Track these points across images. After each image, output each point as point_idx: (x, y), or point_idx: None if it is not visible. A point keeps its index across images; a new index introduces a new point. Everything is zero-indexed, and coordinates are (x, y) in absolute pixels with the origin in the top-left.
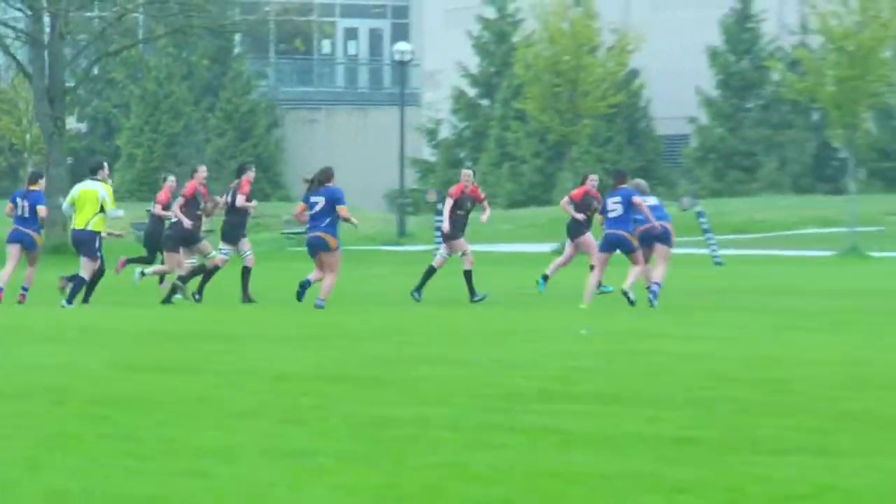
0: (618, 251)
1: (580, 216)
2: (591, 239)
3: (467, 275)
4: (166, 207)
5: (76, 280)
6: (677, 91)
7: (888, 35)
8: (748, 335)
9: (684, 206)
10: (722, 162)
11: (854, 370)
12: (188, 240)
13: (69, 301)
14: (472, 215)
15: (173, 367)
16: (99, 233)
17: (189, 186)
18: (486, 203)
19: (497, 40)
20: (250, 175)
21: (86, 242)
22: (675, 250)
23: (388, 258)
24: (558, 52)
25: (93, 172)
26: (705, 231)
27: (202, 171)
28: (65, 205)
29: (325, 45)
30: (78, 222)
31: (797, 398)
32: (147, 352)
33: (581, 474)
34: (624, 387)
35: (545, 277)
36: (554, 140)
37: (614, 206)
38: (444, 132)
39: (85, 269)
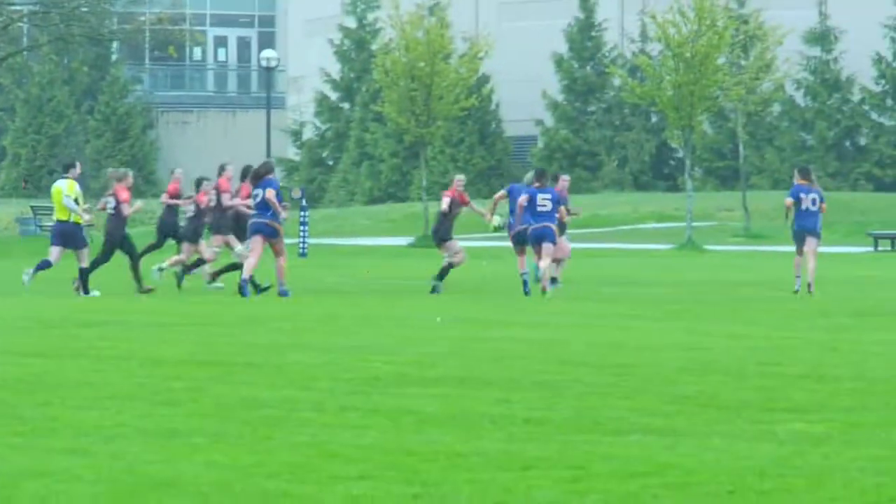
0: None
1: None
2: (563, 241)
3: (448, 267)
4: (175, 197)
5: (81, 272)
6: (525, 95)
7: (722, 43)
8: (593, 323)
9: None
10: (567, 161)
11: (692, 356)
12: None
13: (85, 292)
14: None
15: (55, 352)
16: (79, 223)
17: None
18: (472, 206)
19: (357, 48)
20: (228, 173)
21: (72, 234)
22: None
23: None
24: (414, 59)
25: (65, 170)
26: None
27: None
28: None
29: (197, 53)
30: (60, 215)
31: (638, 382)
32: (30, 339)
33: (436, 452)
34: (476, 371)
35: (553, 280)
36: (410, 141)
37: (544, 201)
38: (308, 133)
39: (82, 258)
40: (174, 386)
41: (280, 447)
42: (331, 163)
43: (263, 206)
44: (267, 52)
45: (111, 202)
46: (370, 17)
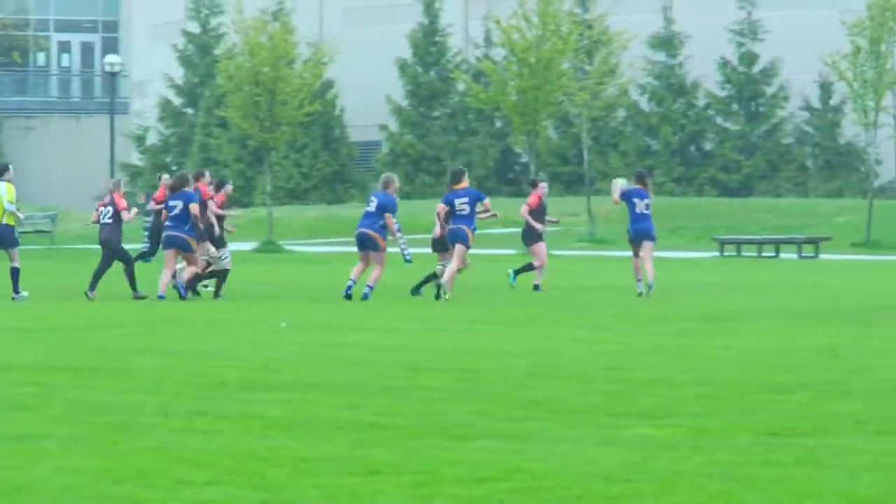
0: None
1: (539, 226)
2: (543, 247)
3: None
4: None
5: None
6: (369, 100)
7: (567, 48)
8: (442, 328)
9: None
10: (411, 166)
11: (540, 361)
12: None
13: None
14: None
15: None
16: (12, 226)
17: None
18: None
19: (201, 53)
20: (228, 189)
21: (5, 235)
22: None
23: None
24: (258, 64)
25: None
26: (397, 231)
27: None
28: None
29: (41, 58)
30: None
31: (486, 387)
32: None
33: (283, 457)
34: (322, 376)
35: (536, 287)
36: (254, 146)
37: (462, 205)
38: (152, 138)
39: (15, 257)
40: (24, 391)
41: (128, 452)
42: (174, 168)
43: (180, 219)
44: (110, 58)
45: (106, 211)
46: (214, 22)
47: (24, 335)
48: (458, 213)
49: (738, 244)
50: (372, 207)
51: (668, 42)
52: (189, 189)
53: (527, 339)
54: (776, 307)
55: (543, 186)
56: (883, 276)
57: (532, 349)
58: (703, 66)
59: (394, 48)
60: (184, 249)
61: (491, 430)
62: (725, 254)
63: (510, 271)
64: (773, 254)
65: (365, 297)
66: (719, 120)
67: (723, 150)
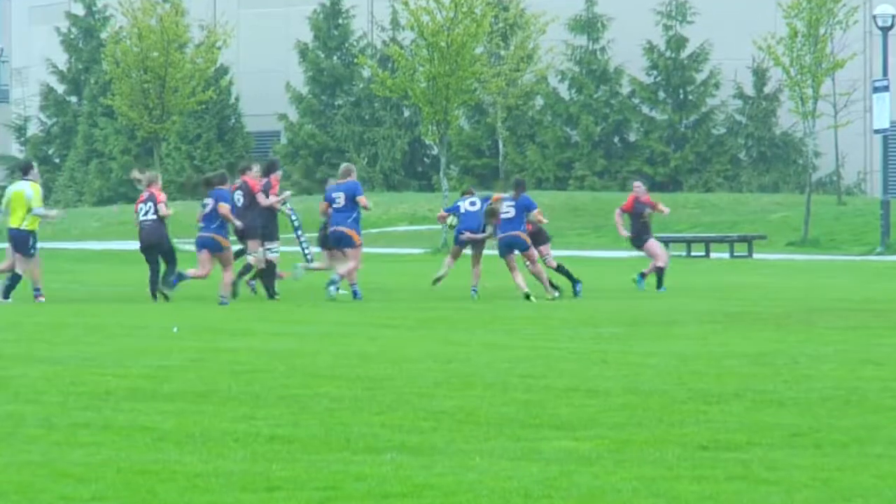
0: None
1: (625, 234)
2: (655, 244)
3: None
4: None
5: (15, 277)
6: (267, 88)
7: (481, 31)
8: (342, 332)
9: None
10: (313, 158)
11: (449, 368)
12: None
13: (6, 296)
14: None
15: None
16: (33, 231)
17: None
18: (659, 206)
19: (85, 36)
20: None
21: (22, 241)
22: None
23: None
24: (147, 49)
25: (25, 172)
26: (296, 229)
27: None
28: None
29: None
30: (13, 221)
31: (392, 396)
32: None
33: (173, 472)
34: (215, 385)
35: (643, 275)
36: (143, 136)
37: (508, 208)
38: (33, 129)
39: (21, 265)
40: None
41: (7, 466)
42: (57, 160)
43: (209, 218)
44: None
45: (146, 208)
46: (100, 3)
47: None
48: (503, 216)
49: (666, 242)
50: (341, 202)
51: (589, 24)
52: (224, 187)
53: (433, 344)
54: (706, 310)
55: (638, 185)
56: (820, 276)
57: (439, 355)
58: (627, 50)
59: (293, 31)
60: (216, 250)
61: (398, 443)
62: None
63: (635, 276)
64: (703, 253)
65: (356, 295)
66: (645, 109)
67: (649, 141)
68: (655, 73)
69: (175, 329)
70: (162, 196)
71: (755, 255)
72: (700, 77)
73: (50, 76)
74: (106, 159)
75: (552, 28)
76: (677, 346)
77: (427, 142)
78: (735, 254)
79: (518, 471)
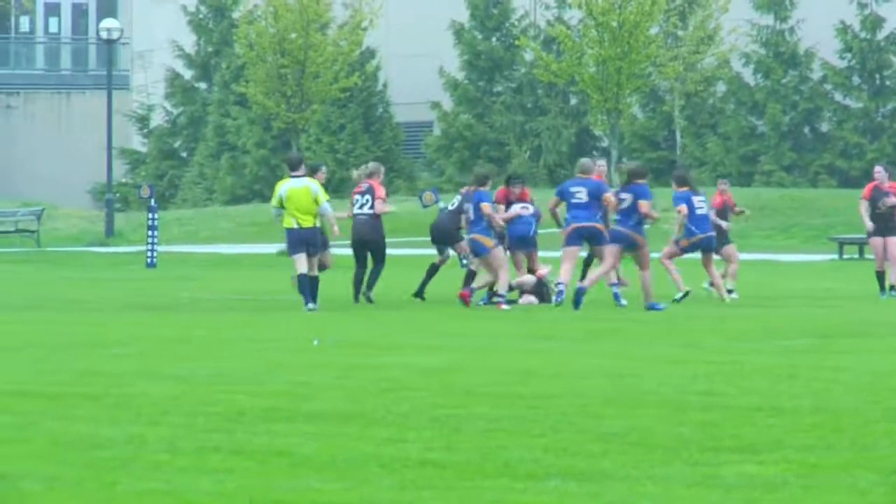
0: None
1: (725, 224)
2: (733, 249)
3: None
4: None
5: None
6: (418, 73)
7: (656, 9)
8: (499, 345)
9: (426, 203)
10: (469, 152)
11: (620, 384)
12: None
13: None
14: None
15: None
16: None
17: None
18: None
19: (215, 16)
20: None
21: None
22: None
23: (94, 260)
24: (284, 30)
25: (293, 168)
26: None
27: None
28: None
29: (24, 23)
30: (306, 221)
31: (556, 416)
32: None
33: (315, 502)
34: (360, 404)
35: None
36: (280, 128)
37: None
38: (157, 119)
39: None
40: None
41: (127, 495)
42: (184, 154)
43: (627, 213)
44: (107, 22)
45: (363, 201)
46: None
47: None
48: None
49: (861, 245)
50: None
51: (776, 2)
52: (485, 189)
53: (602, 358)
54: None
55: (723, 182)
56: None
57: (607, 370)
58: (818, 31)
59: (448, 10)
60: (632, 247)
61: (563, 468)
62: (845, 256)
63: (705, 285)
64: None
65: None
66: (838, 96)
67: (842, 131)
68: (849, 56)
69: (316, 342)
70: (382, 191)
71: None
72: None
73: (176, 60)
74: (239, 153)
75: (735, 6)
76: (874, 360)
77: (596, 132)
78: None
79: (696, 498)
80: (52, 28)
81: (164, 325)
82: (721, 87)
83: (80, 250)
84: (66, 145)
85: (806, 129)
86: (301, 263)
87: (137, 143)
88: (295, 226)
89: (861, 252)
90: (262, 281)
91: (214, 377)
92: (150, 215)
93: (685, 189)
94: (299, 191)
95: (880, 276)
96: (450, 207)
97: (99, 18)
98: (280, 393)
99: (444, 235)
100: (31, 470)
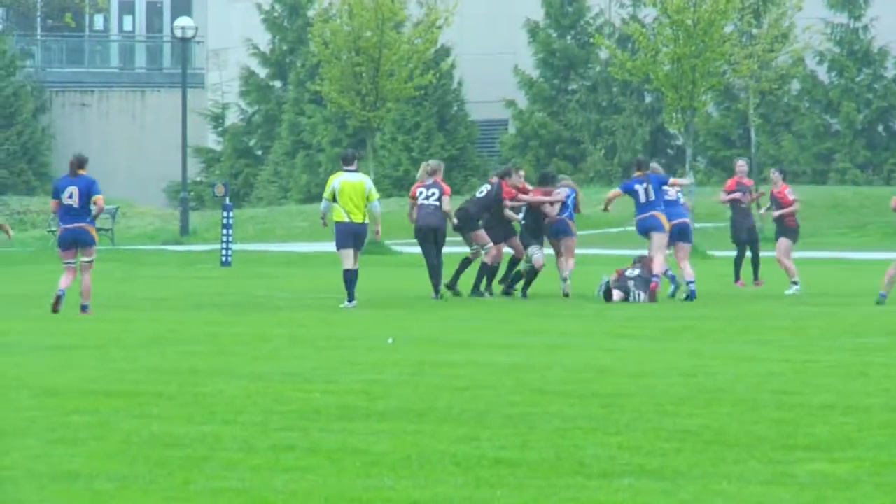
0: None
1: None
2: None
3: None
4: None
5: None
6: (493, 71)
7: (730, 7)
8: (574, 344)
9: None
10: (544, 150)
11: (694, 383)
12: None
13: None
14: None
15: None
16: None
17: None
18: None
19: (290, 14)
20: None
21: (362, 235)
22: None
23: (169, 259)
24: (359, 28)
25: (347, 163)
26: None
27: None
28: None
29: (98, 21)
30: (358, 216)
31: (630, 415)
32: None
33: (388, 500)
34: (434, 402)
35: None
36: (355, 126)
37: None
38: (232, 117)
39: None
40: (73, 420)
41: (201, 494)
42: (259, 153)
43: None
44: (182, 20)
45: (431, 193)
46: None
47: (72, 353)
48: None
49: None
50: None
51: (850, 1)
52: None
53: (675, 357)
54: None
55: (741, 166)
56: None
57: (682, 369)
58: (892, 28)
59: (522, 8)
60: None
61: (637, 467)
62: None
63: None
64: None
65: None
66: None
67: None
68: None
69: (390, 340)
70: (448, 188)
71: None
72: None
73: (250, 59)
74: (314, 151)
75: (809, 4)
76: None
77: (671, 131)
78: None
79: (770, 496)
80: (127, 26)
81: (239, 324)
82: (795, 86)
83: (155, 248)
84: (140, 143)
85: (880, 128)
86: (348, 258)
87: (212, 141)
88: (346, 219)
89: None
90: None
91: (289, 376)
92: (225, 213)
93: (637, 175)
94: (354, 185)
95: None
96: (477, 195)
97: (174, 16)
98: (354, 391)
99: (464, 222)
100: (104, 469)
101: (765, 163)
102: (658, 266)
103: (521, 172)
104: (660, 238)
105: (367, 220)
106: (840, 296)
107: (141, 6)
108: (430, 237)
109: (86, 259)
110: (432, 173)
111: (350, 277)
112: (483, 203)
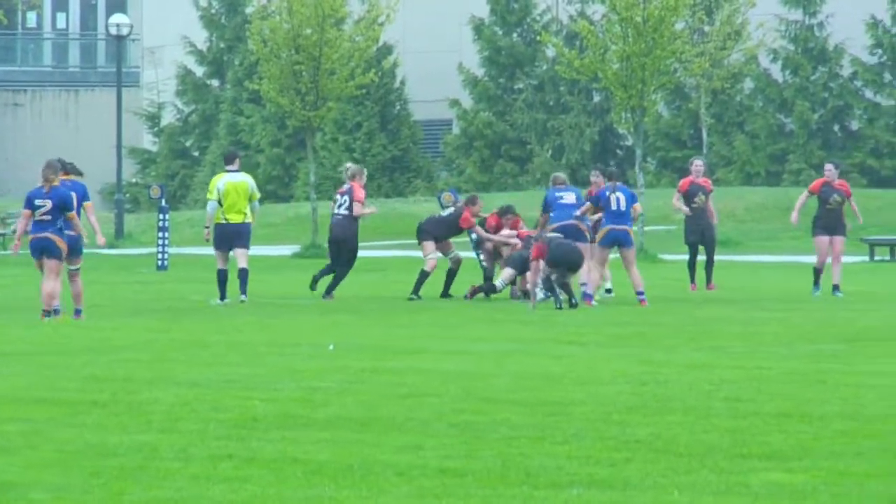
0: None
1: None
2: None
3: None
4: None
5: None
6: (437, 70)
7: (681, 4)
8: (521, 350)
9: (445, 204)
10: (489, 151)
11: (644, 391)
12: None
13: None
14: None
15: None
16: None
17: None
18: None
19: (228, 11)
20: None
21: (245, 234)
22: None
23: (103, 262)
24: (299, 25)
25: (229, 162)
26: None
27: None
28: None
29: (31, 18)
30: (237, 217)
31: (579, 423)
32: None
33: None
34: (377, 410)
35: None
36: (294, 126)
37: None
38: (168, 117)
39: (244, 259)
40: (6, 429)
41: (137, 503)
42: (196, 153)
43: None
44: (117, 17)
45: (343, 201)
46: None
47: (3, 361)
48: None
49: (893, 246)
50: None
51: None
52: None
53: (625, 364)
54: None
55: (698, 165)
56: None
57: (632, 376)
58: (848, 26)
59: (467, 5)
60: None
61: (586, 476)
62: (877, 258)
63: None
64: None
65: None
66: (868, 93)
67: (873, 130)
68: (880, 52)
69: (331, 347)
70: (361, 193)
71: None
72: None
73: (187, 57)
74: (252, 152)
75: (763, 1)
76: None
77: (620, 131)
78: None
79: None
80: (60, 24)
81: (176, 330)
82: (748, 84)
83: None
84: (74, 144)
85: (836, 127)
86: (221, 259)
87: (148, 141)
88: (223, 220)
89: (892, 253)
90: (275, 284)
91: (228, 383)
92: (161, 216)
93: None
94: (237, 185)
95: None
96: (441, 216)
97: (108, 14)
98: (295, 399)
99: (418, 234)
100: (39, 479)
101: (717, 164)
102: (592, 282)
103: (481, 204)
104: (630, 253)
105: (247, 220)
106: (794, 301)
107: (75, 3)
108: (336, 250)
109: (72, 267)
110: (352, 178)
111: (222, 278)
112: (444, 223)
